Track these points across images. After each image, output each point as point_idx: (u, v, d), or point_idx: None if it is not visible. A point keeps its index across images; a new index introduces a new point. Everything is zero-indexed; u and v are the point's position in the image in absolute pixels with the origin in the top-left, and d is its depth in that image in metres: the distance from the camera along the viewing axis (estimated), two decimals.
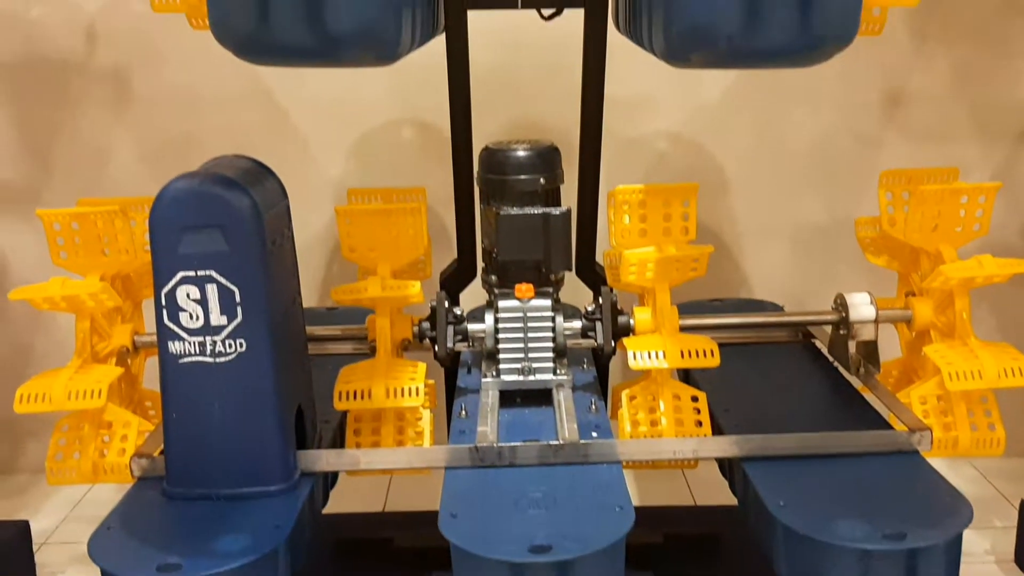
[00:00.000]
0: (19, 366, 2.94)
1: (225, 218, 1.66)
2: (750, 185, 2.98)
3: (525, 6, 2.08)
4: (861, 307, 2.08)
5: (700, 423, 1.93)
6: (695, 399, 1.97)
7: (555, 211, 2.01)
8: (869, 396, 2.09)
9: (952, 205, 2.05)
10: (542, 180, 2.09)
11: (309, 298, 2.80)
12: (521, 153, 2.09)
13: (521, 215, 2.02)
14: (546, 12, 2.12)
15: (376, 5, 1.53)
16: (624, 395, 1.99)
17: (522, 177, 2.08)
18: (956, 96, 2.89)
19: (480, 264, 2.26)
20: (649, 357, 1.92)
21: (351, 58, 1.62)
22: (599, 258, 2.40)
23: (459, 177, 2.23)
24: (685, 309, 2.13)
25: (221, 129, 2.85)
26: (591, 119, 2.19)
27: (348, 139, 2.93)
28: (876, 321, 2.08)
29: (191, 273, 1.68)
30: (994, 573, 2.50)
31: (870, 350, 2.11)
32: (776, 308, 2.57)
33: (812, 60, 1.61)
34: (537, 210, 2.03)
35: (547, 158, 2.11)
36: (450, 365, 2.18)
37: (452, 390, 2.18)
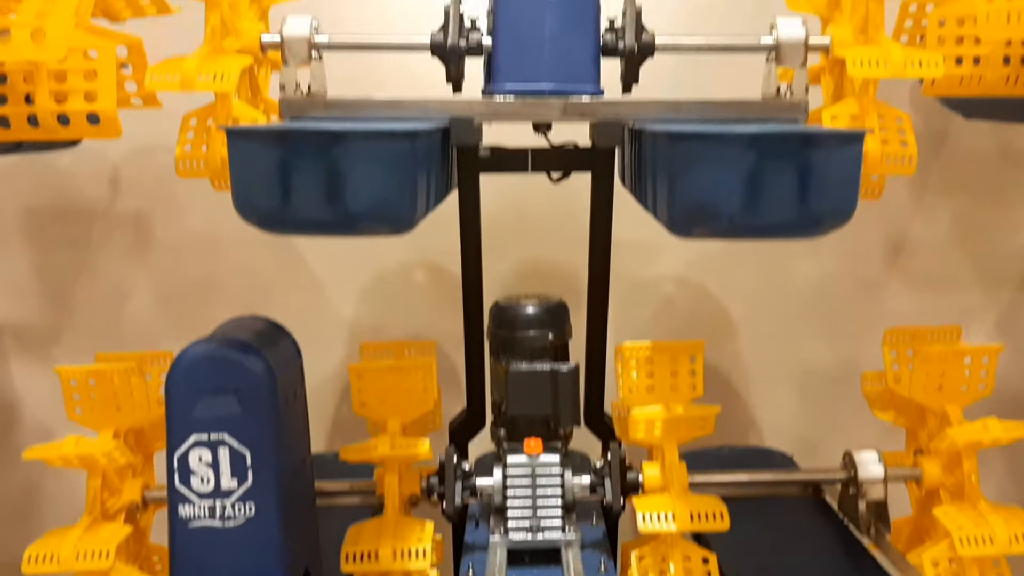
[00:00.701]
0: (27, 507, 2.94)
1: (239, 382, 1.70)
2: (756, 328, 3.01)
3: (535, 170, 2.16)
4: (870, 466, 2.09)
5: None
6: (706, 560, 1.96)
7: (563, 367, 2.04)
8: (880, 555, 2.07)
9: (956, 366, 2.08)
10: (551, 336, 2.13)
11: (317, 440, 2.81)
12: (530, 310, 2.14)
13: (530, 372, 2.05)
14: (555, 174, 2.20)
15: (393, 184, 1.60)
16: (633, 556, 1.97)
17: (531, 333, 2.12)
18: (957, 244, 2.95)
19: (489, 415, 2.28)
20: (658, 519, 1.92)
21: (367, 231, 1.69)
22: (607, 407, 2.42)
23: (470, 331, 2.27)
24: (693, 460, 2.13)
25: (238, 272, 2.92)
26: (598, 275, 2.24)
27: (361, 281, 2.99)
28: (885, 480, 2.08)
29: (204, 436, 1.70)
30: None
31: (880, 509, 2.10)
32: (784, 457, 2.57)
33: (812, 235, 1.67)
34: (546, 366, 2.05)
35: (556, 314, 2.16)
36: (458, 520, 2.17)
37: (460, 540, 2.17)
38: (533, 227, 2.91)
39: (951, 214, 2.94)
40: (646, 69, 2.02)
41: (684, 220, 1.65)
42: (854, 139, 1.56)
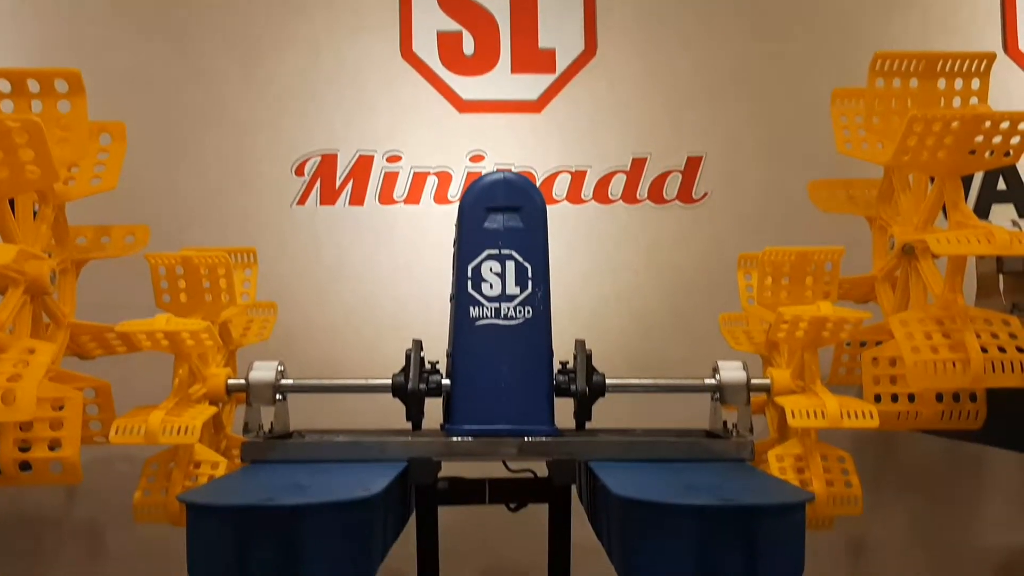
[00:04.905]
0: None
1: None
2: None
3: (492, 502, 2.19)
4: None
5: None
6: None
7: None
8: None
9: None
10: None
11: None
12: None
13: None
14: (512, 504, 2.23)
15: (350, 550, 1.61)
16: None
17: None
18: (918, 546, 2.97)
19: None
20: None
21: None
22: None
23: None
24: None
25: None
26: None
27: None
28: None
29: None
30: None
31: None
32: None
33: None
34: None
35: None
36: None
37: None
38: (493, 530, 2.88)
39: (908, 516, 2.98)
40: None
41: None
42: (796, 508, 1.61)
